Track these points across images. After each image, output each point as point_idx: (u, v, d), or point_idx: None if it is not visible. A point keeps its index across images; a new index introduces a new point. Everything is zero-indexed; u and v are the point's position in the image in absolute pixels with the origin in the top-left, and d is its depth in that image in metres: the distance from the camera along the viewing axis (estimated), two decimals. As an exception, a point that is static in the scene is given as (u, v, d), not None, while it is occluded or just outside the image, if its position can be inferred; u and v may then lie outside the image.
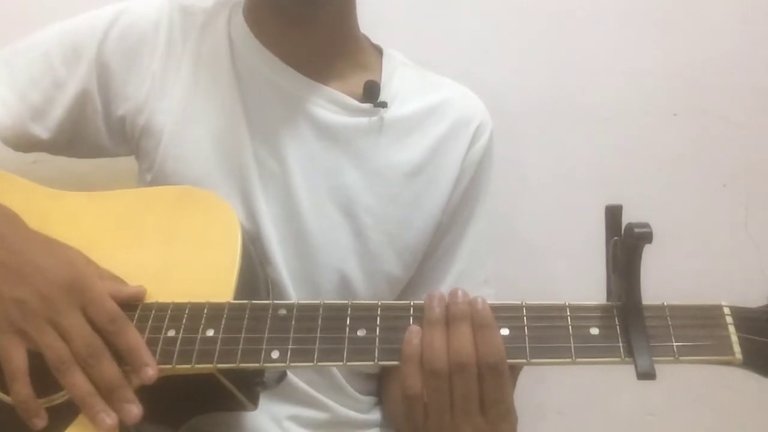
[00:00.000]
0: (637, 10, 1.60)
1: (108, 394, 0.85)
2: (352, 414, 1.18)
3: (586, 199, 1.56)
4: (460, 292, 0.85)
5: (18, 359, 0.85)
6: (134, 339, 0.87)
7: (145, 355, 0.86)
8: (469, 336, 0.82)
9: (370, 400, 1.23)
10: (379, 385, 1.25)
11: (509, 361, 0.82)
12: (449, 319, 0.83)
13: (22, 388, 0.84)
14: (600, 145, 1.62)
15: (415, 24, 1.59)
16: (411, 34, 1.55)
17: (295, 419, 1.12)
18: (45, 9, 1.41)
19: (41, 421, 0.85)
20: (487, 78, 1.53)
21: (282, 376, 1.01)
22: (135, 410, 0.85)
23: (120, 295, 0.90)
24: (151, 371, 0.85)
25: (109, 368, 0.85)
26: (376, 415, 1.23)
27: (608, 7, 1.60)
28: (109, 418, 0.84)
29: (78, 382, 0.84)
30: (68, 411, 0.86)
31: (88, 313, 0.87)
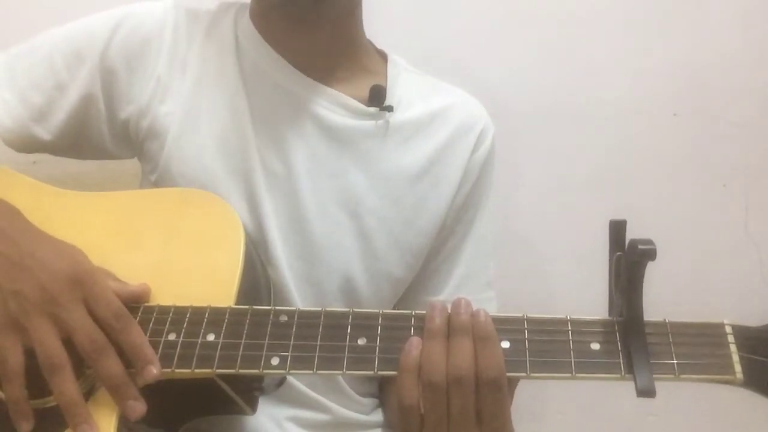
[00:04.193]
0: (637, 10, 1.60)
1: (112, 391, 0.85)
2: (353, 415, 1.18)
3: (587, 200, 1.57)
4: (463, 302, 0.85)
5: (14, 358, 0.84)
6: (138, 336, 0.86)
7: (149, 353, 0.86)
8: (470, 349, 0.82)
9: (370, 401, 1.23)
10: (381, 391, 1.26)
11: (509, 374, 0.82)
12: (450, 331, 0.83)
13: (15, 389, 0.84)
14: (600, 146, 1.62)
15: (416, 24, 1.59)
16: (412, 34, 1.56)
17: (295, 420, 1.12)
18: (50, 11, 1.41)
19: (27, 425, 0.85)
20: (487, 78, 1.54)
21: (281, 381, 1.01)
22: (139, 407, 0.85)
23: (124, 293, 0.89)
24: (154, 370, 0.85)
25: (114, 364, 0.85)
26: (377, 417, 1.23)
27: (609, 8, 1.60)
28: (91, 430, 0.84)
29: (66, 388, 0.83)
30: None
31: (91, 308, 0.86)
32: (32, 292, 0.85)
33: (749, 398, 1.51)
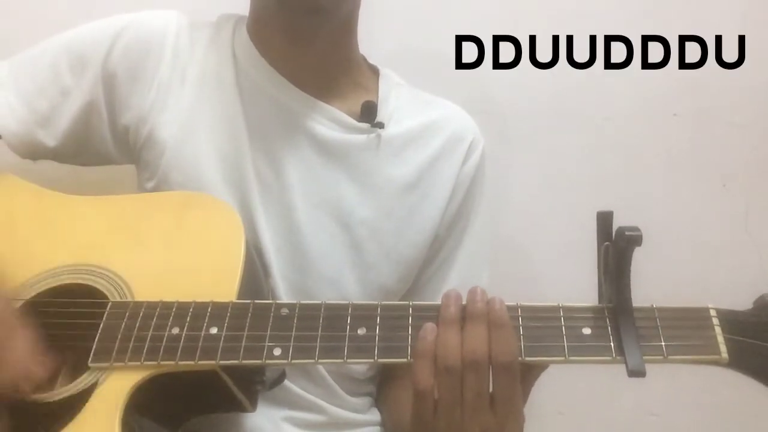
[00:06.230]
0: (637, 9, 1.61)
1: None
2: (349, 414, 1.19)
3: (586, 200, 1.55)
4: (479, 291, 0.87)
5: None
6: None
7: None
8: (484, 335, 0.83)
9: (365, 400, 1.24)
10: (379, 391, 1.28)
11: None
12: (467, 317, 0.85)
13: None
14: (600, 145, 1.62)
15: (413, 24, 1.59)
16: (409, 33, 1.57)
17: (292, 420, 1.13)
18: (54, 18, 1.43)
19: None
20: (485, 78, 1.55)
21: (281, 377, 1.02)
22: None
23: None
24: None
25: None
26: (373, 416, 1.25)
27: (608, 7, 1.61)
28: None
29: None
30: (69, 407, 0.87)
31: None
32: None
33: (749, 399, 1.52)
